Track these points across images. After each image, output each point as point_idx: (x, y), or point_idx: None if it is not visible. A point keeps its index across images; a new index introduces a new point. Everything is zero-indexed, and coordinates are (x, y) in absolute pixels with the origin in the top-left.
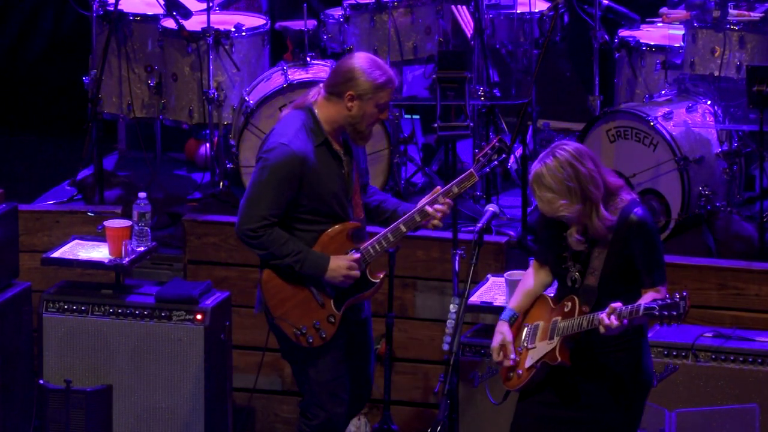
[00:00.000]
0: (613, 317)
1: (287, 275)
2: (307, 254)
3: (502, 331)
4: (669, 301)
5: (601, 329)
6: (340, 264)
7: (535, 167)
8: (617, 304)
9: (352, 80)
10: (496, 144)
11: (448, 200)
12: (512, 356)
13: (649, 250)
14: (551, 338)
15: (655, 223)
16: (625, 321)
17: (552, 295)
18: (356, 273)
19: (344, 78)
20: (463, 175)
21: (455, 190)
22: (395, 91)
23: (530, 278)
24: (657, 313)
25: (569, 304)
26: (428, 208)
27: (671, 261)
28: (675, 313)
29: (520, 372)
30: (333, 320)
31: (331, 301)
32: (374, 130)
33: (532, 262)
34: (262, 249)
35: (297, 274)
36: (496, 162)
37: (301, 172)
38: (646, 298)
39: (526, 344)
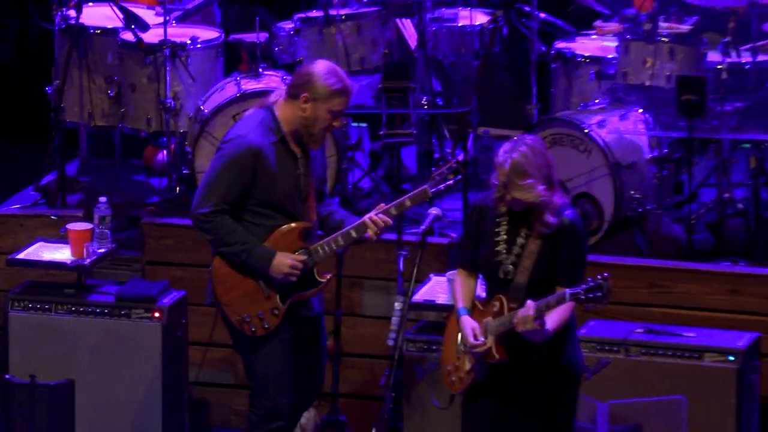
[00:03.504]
0: (530, 306)
1: (237, 265)
2: (254, 246)
3: (469, 321)
4: (592, 283)
5: (515, 321)
6: (284, 261)
7: (508, 161)
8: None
9: (308, 83)
10: (453, 165)
11: (386, 218)
12: (481, 338)
13: (576, 250)
14: (485, 338)
15: (585, 227)
16: (546, 319)
17: (480, 296)
18: (298, 272)
19: (302, 81)
20: (417, 190)
21: (407, 203)
22: (348, 102)
23: (462, 283)
24: (583, 297)
25: (497, 303)
26: (375, 217)
27: (604, 261)
28: (600, 294)
29: (462, 375)
30: (277, 313)
31: (277, 295)
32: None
33: (459, 271)
34: (212, 234)
35: (246, 266)
36: (450, 182)
37: (255, 164)
38: None
39: (463, 347)
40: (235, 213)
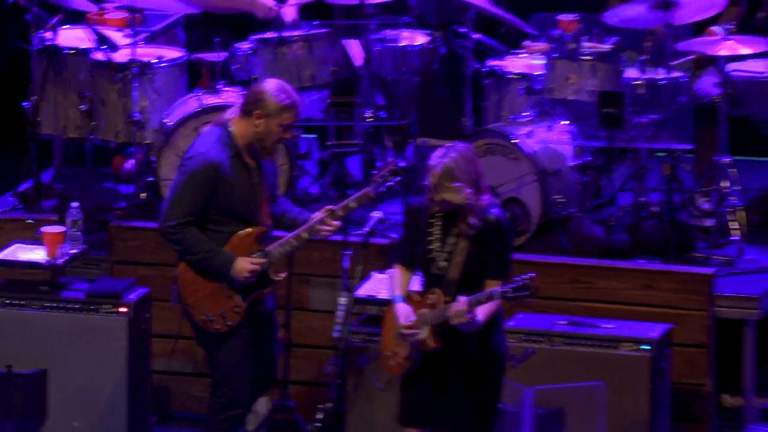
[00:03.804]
0: (463, 301)
1: (201, 270)
2: (217, 253)
3: (404, 307)
4: (520, 283)
5: (449, 313)
6: (243, 265)
7: (440, 165)
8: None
9: (260, 101)
10: (392, 167)
11: (335, 222)
12: (412, 318)
13: (503, 247)
14: (422, 328)
15: (513, 227)
16: (477, 312)
17: (417, 290)
18: (256, 273)
19: (255, 99)
20: (361, 192)
21: (352, 205)
22: (298, 116)
23: (399, 278)
24: (511, 295)
25: (433, 296)
26: (328, 219)
27: (532, 259)
28: (527, 293)
29: (400, 360)
30: (238, 310)
31: (238, 294)
32: (278, 148)
33: (396, 266)
34: (180, 244)
35: (209, 270)
36: (391, 183)
37: (216, 179)
38: (491, 287)
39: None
40: (198, 223)
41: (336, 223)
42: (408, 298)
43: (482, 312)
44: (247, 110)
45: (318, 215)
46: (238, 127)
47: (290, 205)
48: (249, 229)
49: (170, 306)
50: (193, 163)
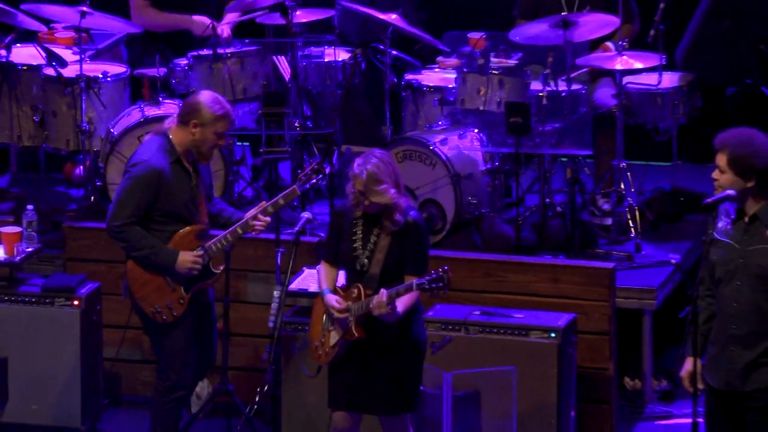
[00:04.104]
0: (384, 294)
1: (147, 265)
2: (160, 249)
3: (334, 297)
4: (435, 275)
5: (372, 305)
6: (186, 258)
7: (363, 172)
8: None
9: (196, 111)
10: (315, 167)
11: (266, 218)
12: (344, 308)
13: (420, 245)
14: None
15: (429, 226)
16: (397, 304)
17: (342, 285)
18: (199, 266)
19: (191, 109)
20: (288, 189)
21: (281, 201)
22: (231, 125)
23: (326, 273)
24: (428, 287)
25: (356, 290)
26: (260, 215)
27: (448, 255)
28: (441, 284)
29: (327, 349)
30: (182, 302)
31: (181, 286)
32: (213, 153)
33: (323, 263)
34: (125, 242)
35: (155, 265)
36: (314, 181)
37: (158, 183)
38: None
39: (328, 327)
40: (143, 223)
41: (266, 218)
42: (334, 292)
43: (401, 304)
44: (184, 120)
45: (251, 213)
46: (177, 136)
47: (225, 205)
48: (187, 228)
49: (119, 299)
50: (137, 169)
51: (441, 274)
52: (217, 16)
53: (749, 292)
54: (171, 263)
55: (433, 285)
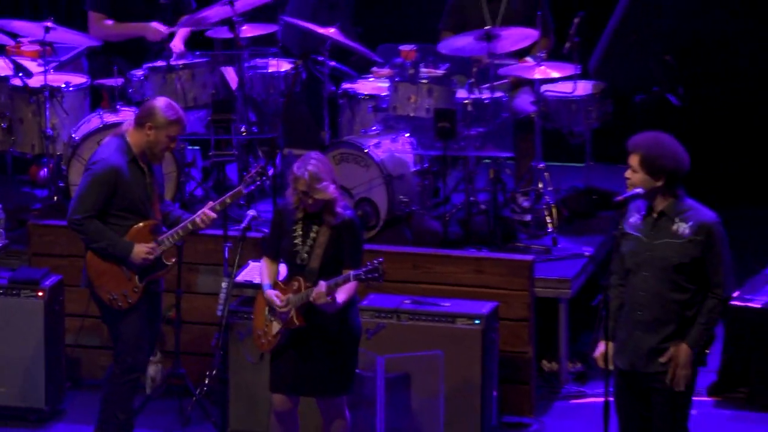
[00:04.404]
0: (323, 285)
1: (105, 256)
2: (117, 241)
3: (273, 293)
4: (370, 267)
5: (312, 297)
6: (140, 250)
7: (305, 172)
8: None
9: (151, 115)
10: (259, 170)
11: (212, 214)
12: (284, 304)
13: (356, 241)
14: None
15: (364, 223)
16: (337, 294)
17: (282, 278)
18: (152, 258)
19: (147, 113)
20: (234, 190)
21: (228, 200)
22: (183, 129)
23: (267, 267)
24: (364, 278)
25: (296, 283)
26: (208, 212)
27: (381, 249)
28: (377, 275)
29: (270, 338)
30: (137, 290)
31: (136, 276)
32: (166, 157)
33: (264, 258)
34: (85, 234)
35: (112, 256)
36: (259, 182)
37: (116, 180)
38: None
39: (270, 318)
40: (101, 217)
41: (213, 215)
42: (275, 285)
43: (341, 295)
44: (140, 122)
45: (200, 212)
46: (133, 137)
47: (174, 206)
48: (142, 223)
49: (80, 290)
50: (96, 167)
51: (376, 265)
52: (171, 25)
53: (655, 282)
54: (126, 255)
55: (369, 276)
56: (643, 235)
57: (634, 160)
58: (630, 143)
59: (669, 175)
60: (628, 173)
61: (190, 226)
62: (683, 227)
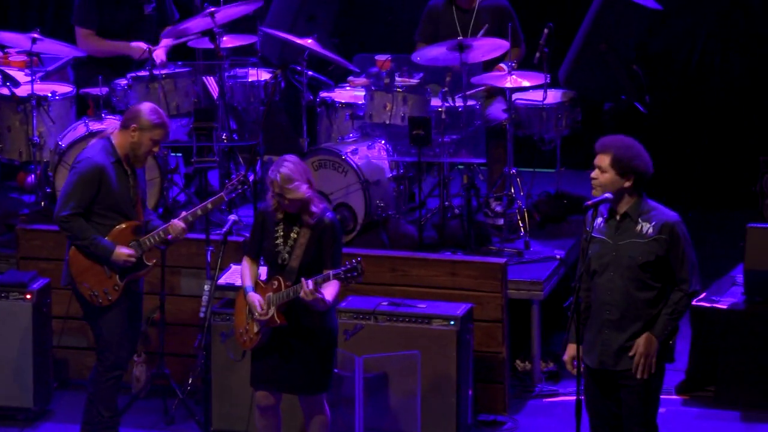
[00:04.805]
0: (309, 282)
1: (88, 254)
2: (99, 242)
3: (255, 296)
4: (350, 266)
5: (302, 294)
6: (121, 252)
7: (277, 174)
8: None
9: (136, 118)
10: (241, 178)
11: (181, 224)
12: (264, 308)
13: (335, 243)
14: (268, 308)
15: (342, 226)
16: (324, 293)
17: (263, 278)
18: (133, 259)
19: (132, 115)
20: (216, 196)
21: (209, 206)
22: (166, 135)
23: (248, 268)
24: (344, 276)
25: (276, 282)
26: (175, 222)
27: (358, 252)
28: (355, 273)
29: (252, 336)
30: (117, 288)
31: (117, 275)
32: (149, 163)
33: (245, 258)
34: (70, 231)
35: (94, 254)
36: (240, 190)
37: (100, 179)
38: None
39: (251, 316)
40: (86, 216)
41: (182, 226)
42: (256, 285)
43: (328, 293)
44: (125, 124)
45: (172, 221)
46: (118, 139)
47: (153, 215)
48: (126, 223)
49: (66, 292)
50: (81, 166)
51: (355, 264)
52: (154, 41)
53: (621, 281)
54: (107, 255)
55: (349, 274)
56: (607, 237)
57: (603, 160)
58: (599, 144)
59: (637, 176)
60: (595, 173)
61: (162, 234)
62: (647, 227)
